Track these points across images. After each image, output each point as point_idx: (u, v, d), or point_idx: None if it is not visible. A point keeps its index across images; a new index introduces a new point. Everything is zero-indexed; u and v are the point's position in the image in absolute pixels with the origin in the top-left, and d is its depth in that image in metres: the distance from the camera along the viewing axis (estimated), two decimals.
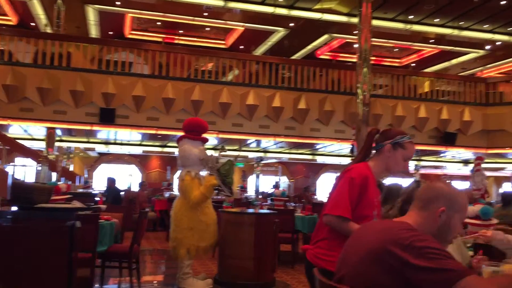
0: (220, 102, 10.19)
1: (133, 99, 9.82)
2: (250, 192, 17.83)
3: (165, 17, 13.40)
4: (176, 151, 5.00)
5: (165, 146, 15.35)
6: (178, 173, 5.02)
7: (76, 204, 4.03)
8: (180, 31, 14.91)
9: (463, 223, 1.84)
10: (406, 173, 2.44)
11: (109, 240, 4.75)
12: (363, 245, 1.64)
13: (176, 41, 15.35)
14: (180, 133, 5.25)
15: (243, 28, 14.06)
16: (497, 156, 13.30)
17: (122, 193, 11.55)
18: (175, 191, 13.56)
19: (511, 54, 15.24)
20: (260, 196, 14.52)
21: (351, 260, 1.66)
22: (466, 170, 16.24)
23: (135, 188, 14.58)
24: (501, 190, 20.77)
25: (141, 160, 20.15)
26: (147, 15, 13.33)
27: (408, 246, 1.50)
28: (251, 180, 19.92)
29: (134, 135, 12.62)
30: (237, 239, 5.30)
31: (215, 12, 12.85)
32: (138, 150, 16.99)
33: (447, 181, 1.90)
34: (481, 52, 15.18)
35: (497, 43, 14.17)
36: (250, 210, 6.14)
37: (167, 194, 12.96)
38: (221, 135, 10.68)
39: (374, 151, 2.45)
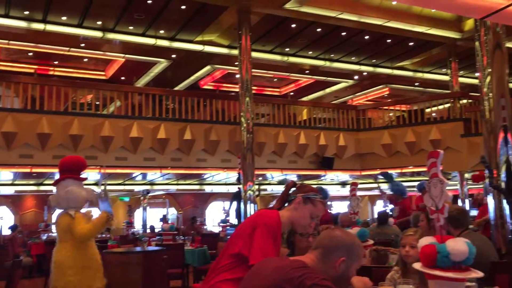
0: (101, 136, 9.77)
1: (2, 135, 8.99)
2: (138, 227, 17.20)
3: (37, 47, 12.61)
4: (54, 189, 4.63)
5: (41, 184, 14.26)
6: (57, 212, 4.62)
7: None
8: (55, 62, 14.13)
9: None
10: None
11: None
12: (259, 281, 1.66)
13: (51, 73, 14.50)
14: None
15: (123, 59, 13.75)
16: (370, 177, 14.45)
17: None
18: (54, 231, 12.60)
19: (376, 83, 16.84)
20: (148, 231, 14.06)
21: None
22: (344, 191, 17.37)
23: (7, 232, 13.24)
24: (375, 208, 22.54)
25: (13, 201, 18.40)
26: (17, 45, 12.45)
27: (299, 285, 1.55)
28: (138, 214, 19.23)
29: (4, 174, 11.55)
30: (124, 280, 5.05)
31: (93, 43, 12.42)
32: (9, 190, 15.56)
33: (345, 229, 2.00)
34: (350, 82, 16.54)
35: (364, 74, 15.57)
36: (138, 248, 5.92)
37: (44, 237, 11.98)
38: (103, 170, 10.21)
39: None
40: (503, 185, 5.49)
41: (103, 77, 15.11)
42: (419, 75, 15.77)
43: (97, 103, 10.55)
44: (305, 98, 17.74)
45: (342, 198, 20.14)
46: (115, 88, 11.62)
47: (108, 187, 4.76)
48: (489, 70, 6.02)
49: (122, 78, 15.07)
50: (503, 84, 6.01)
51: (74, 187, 4.48)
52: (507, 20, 4.04)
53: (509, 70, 6.22)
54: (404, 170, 12.43)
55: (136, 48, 12.76)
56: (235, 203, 10.50)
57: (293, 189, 2.49)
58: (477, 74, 6.36)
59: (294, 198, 2.41)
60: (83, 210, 4.69)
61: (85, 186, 4.70)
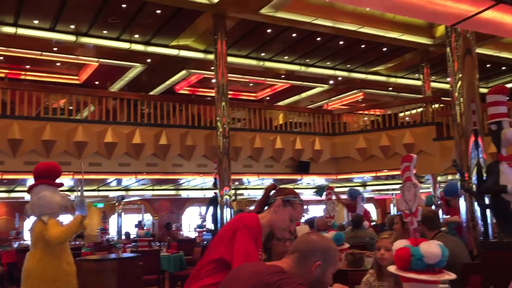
0: (75, 141, 9.61)
1: None
2: (112, 233, 16.95)
3: (8, 51, 12.34)
4: (26, 195, 4.54)
5: (12, 191, 13.92)
6: (30, 219, 4.51)
7: None
8: (26, 66, 13.84)
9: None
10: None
11: None
12: (236, 287, 1.66)
13: (22, 77, 14.20)
14: (31, 177, 4.81)
15: (97, 64, 13.57)
16: (346, 181, 14.59)
17: None
18: (27, 239, 12.33)
19: (350, 88, 17.04)
20: (123, 237, 13.87)
21: None
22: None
23: None
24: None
25: None
26: None
27: None
28: (113, 221, 18.96)
29: None
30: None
31: (66, 47, 12.21)
32: None
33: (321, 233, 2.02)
34: (326, 86, 16.70)
35: (339, 78, 15.74)
36: (113, 255, 5.84)
37: (15, 245, 11.69)
38: (77, 176, 10.03)
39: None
40: (474, 187, 5.61)
41: (77, 82, 14.87)
42: (392, 80, 16.03)
43: (70, 108, 10.38)
44: (281, 103, 17.82)
45: (318, 202, 20.28)
46: (89, 92, 11.45)
47: (84, 193, 4.69)
48: (460, 75, 6.17)
49: (96, 82, 14.87)
50: (474, 89, 6.16)
51: (47, 193, 4.39)
52: (476, 27, 4.15)
53: (479, 76, 6.39)
54: (378, 174, 12.60)
55: (110, 52, 12.61)
56: (211, 208, 10.46)
57: (273, 192, 2.50)
58: (448, 79, 6.50)
59: (274, 201, 2.42)
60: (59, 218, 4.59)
61: (60, 192, 4.62)
